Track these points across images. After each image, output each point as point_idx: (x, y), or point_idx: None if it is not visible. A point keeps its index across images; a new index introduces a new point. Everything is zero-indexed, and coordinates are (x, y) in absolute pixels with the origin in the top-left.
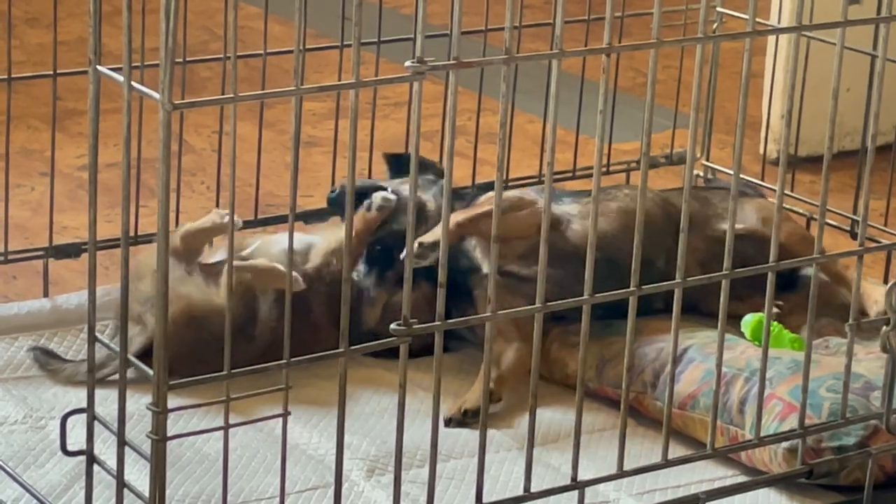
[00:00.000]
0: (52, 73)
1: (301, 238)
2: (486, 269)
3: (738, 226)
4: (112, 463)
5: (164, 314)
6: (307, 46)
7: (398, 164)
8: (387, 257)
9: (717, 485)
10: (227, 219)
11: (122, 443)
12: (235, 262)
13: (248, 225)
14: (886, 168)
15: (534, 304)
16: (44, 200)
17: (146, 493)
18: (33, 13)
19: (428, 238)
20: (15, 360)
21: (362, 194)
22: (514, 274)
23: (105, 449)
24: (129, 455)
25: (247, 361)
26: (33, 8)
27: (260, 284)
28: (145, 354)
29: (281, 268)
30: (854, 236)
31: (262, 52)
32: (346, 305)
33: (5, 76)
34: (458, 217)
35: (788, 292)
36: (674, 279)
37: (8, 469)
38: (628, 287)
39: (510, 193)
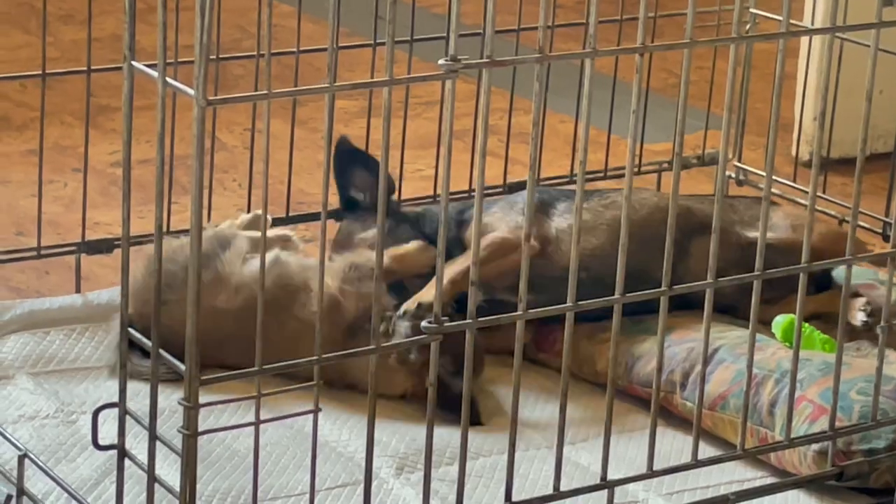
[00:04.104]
0: (86, 69)
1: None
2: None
3: (768, 234)
4: (143, 457)
5: (197, 308)
6: (340, 45)
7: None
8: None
9: (746, 486)
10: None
11: (153, 437)
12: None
13: (279, 223)
14: None
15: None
16: (77, 196)
17: (177, 488)
18: (68, 10)
19: (425, 298)
20: (47, 354)
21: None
22: (502, 302)
23: (136, 443)
24: (160, 450)
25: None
26: (68, 5)
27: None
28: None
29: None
30: (886, 238)
31: (294, 49)
32: (377, 305)
33: (39, 72)
34: (451, 273)
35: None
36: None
37: (39, 463)
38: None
39: (492, 236)
